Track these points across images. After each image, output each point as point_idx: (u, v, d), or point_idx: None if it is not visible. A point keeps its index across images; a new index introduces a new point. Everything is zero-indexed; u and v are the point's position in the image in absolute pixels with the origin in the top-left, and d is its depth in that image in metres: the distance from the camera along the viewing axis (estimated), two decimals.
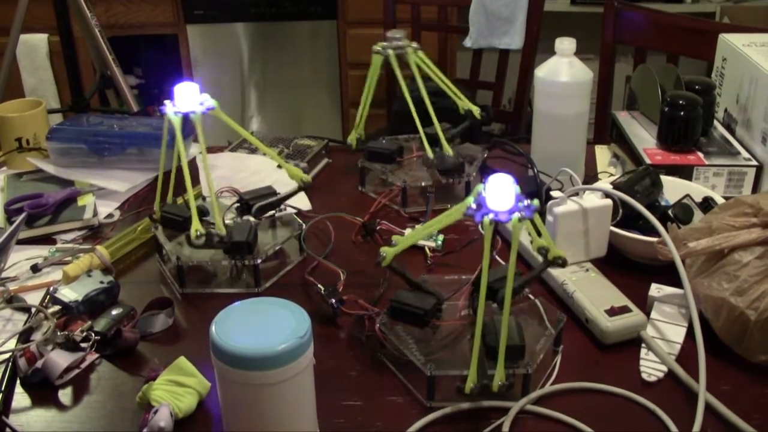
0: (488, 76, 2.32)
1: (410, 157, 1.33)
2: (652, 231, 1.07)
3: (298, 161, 1.36)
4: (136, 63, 3.28)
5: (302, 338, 0.73)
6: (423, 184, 1.27)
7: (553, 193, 1.07)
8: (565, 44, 1.25)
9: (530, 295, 0.99)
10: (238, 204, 1.16)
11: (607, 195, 1.08)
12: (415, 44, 1.32)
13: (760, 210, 0.96)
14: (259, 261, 1.07)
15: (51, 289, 1.06)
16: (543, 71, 1.27)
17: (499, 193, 0.82)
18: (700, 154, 1.26)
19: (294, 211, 1.21)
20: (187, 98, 1.07)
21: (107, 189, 1.33)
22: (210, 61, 3.05)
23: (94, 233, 1.24)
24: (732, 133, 1.34)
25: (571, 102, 1.26)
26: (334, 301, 1.02)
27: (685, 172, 1.24)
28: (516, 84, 2.26)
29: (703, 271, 0.98)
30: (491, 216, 0.81)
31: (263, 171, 1.33)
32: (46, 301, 1.06)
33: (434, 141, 1.34)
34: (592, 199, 1.07)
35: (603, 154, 1.39)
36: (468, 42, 2.30)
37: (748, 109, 1.29)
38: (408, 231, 1.19)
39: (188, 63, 3.03)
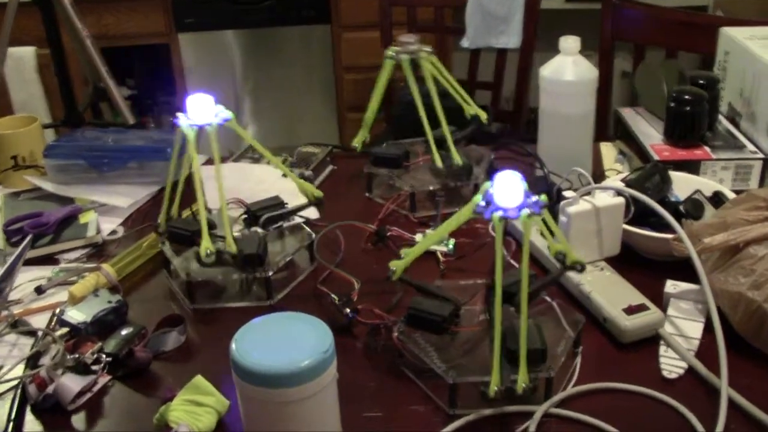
0: (486, 76, 2.31)
1: (417, 162, 1.32)
2: (664, 228, 1.07)
3: (303, 169, 1.35)
4: (128, 73, 3.27)
5: (326, 353, 0.73)
6: (431, 188, 1.26)
7: (566, 193, 1.07)
8: (570, 42, 1.24)
9: (547, 297, 0.98)
10: (246, 215, 1.15)
11: (619, 193, 1.07)
12: (428, 48, 1.30)
13: None
14: (270, 273, 1.06)
15: (57, 311, 1.04)
16: (548, 70, 1.27)
17: (507, 189, 0.82)
18: (707, 149, 1.26)
19: (302, 220, 1.20)
20: (201, 110, 1.05)
21: (109, 205, 1.32)
22: (203, 70, 3.04)
23: (99, 251, 1.22)
24: (736, 126, 1.34)
25: (577, 100, 1.26)
26: (348, 311, 1.01)
27: (692, 167, 1.24)
28: (515, 83, 2.25)
29: (719, 266, 0.98)
30: (500, 213, 0.80)
31: (267, 180, 1.32)
32: (53, 323, 1.04)
33: (440, 144, 1.34)
34: (604, 198, 1.07)
35: (609, 151, 1.38)
36: (465, 42, 2.30)
37: (752, 103, 1.29)
38: (419, 236, 1.18)
39: (181, 72, 3.01)
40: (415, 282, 0.96)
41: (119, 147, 1.36)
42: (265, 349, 0.73)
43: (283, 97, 3.12)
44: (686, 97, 1.26)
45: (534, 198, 0.82)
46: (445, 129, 1.28)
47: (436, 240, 0.95)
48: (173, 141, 1.36)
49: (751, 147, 1.26)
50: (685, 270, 1.02)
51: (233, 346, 0.74)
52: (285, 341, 0.74)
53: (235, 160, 1.43)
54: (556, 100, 1.27)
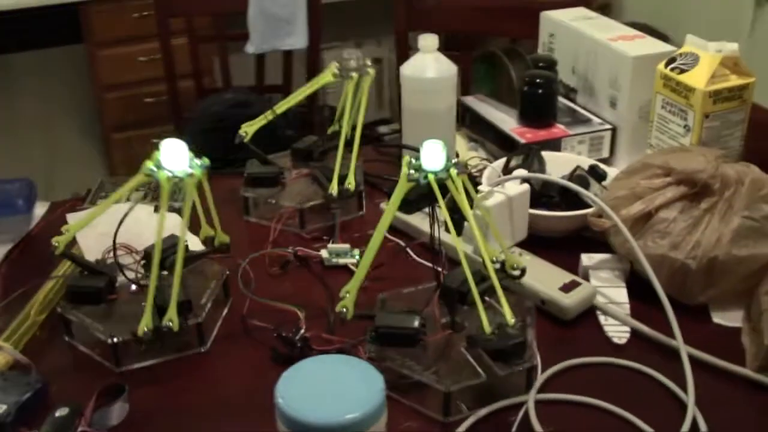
0: (274, 80, 2.29)
1: (299, 176, 1.28)
2: (555, 207, 1.15)
3: (171, 202, 1.26)
4: None
5: (381, 395, 0.70)
6: (315, 202, 1.24)
7: (480, 187, 1.10)
8: (428, 41, 1.27)
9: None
10: (144, 261, 1.07)
11: (524, 180, 1.12)
12: (370, 63, 1.27)
13: (672, 170, 1.05)
14: (201, 318, 0.99)
15: None
16: (409, 69, 1.29)
17: (434, 154, 0.90)
18: (561, 126, 1.35)
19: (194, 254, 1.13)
20: (176, 157, 0.95)
21: None
22: None
23: None
24: (573, 101, 1.44)
25: (440, 96, 1.29)
26: (298, 342, 0.97)
27: (553, 145, 1.32)
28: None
29: (634, 234, 1.06)
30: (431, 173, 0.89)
31: (142, 219, 1.23)
32: None
33: (307, 155, 1.32)
34: (512, 187, 1.11)
35: (460, 140, 1.43)
36: (250, 48, 2.26)
37: (588, 79, 1.39)
38: (324, 252, 1.16)
39: None
40: (369, 313, 0.95)
41: None
42: (315, 399, 0.69)
43: (41, 125, 2.90)
44: (538, 80, 1.33)
45: (453, 160, 0.92)
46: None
47: (372, 254, 0.95)
48: (24, 192, 1.23)
49: (595, 119, 1.37)
50: (584, 243, 1.12)
51: (279, 400, 0.69)
52: (335, 388, 0.70)
53: (92, 202, 1.31)
54: (420, 97, 1.30)
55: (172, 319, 0.95)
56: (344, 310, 0.95)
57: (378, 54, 3.41)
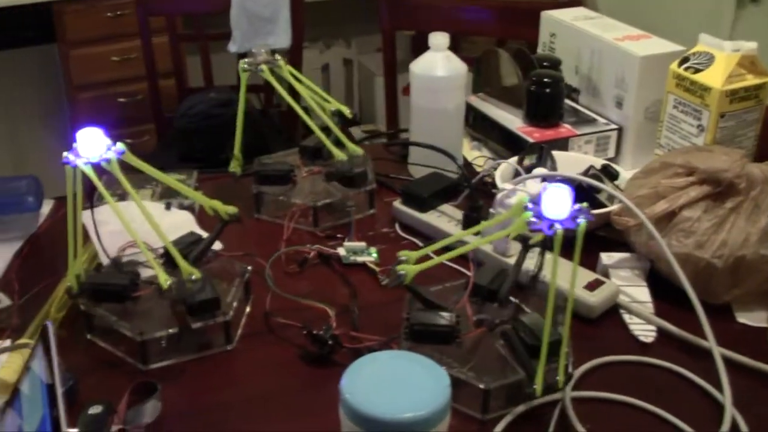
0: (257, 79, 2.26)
1: (310, 174, 1.27)
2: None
3: (181, 199, 1.24)
4: None
5: (447, 392, 0.69)
6: (329, 200, 1.23)
7: (501, 186, 1.10)
8: (439, 39, 1.27)
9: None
10: (164, 257, 1.05)
11: (544, 179, 1.12)
12: (278, 56, 1.28)
13: (695, 169, 1.06)
14: (229, 316, 0.98)
15: None
16: (419, 67, 1.28)
17: (558, 202, 0.82)
18: (568, 126, 1.36)
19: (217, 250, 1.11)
20: (93, 145, 0.95)
21: None
22: None
23: None
24: (575, 102, 1.45)
25: (449, 95, 1.29)
26: (330, 339, 0.96)
27: (559, 144, 1.32)
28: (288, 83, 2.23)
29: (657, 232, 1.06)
30: (558, 226, 0.82)
31: (154, 216, 1.20)
32: None
33: (314, 154, 1.30)
34: (533, 186, 1.11)
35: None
36: (233, 47, 2.23)
37: (593, 79, 1.40)
38: (341, 250, 1.15)
39: None
40: (418, 290, 0.94)
41: None
42: (383, 395, 0.68)
43: (10, 129, 2.83)
44: (545, 79, 1.34)
45: (578, 206, 0.83)
46: (339, 133, 1.24)
47: (463, 250, 0.92)
48: (32, 188, 1.20)
49: (600, 119, 1.38)
50: (599, 242, 1.14)
51: (346, 396, 0.68)
52: (401, 384, 0.69)
53: (99, 199, 1.27)
54: (429, 95, 1.30)
55: (192, 272, 0.96)
56: (403, 273, 0.92)
57: (347, 55, 3.40)
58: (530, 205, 0.83)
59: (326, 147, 1.25)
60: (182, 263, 0.97)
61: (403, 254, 0.93)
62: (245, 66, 1.25)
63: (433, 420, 0.67)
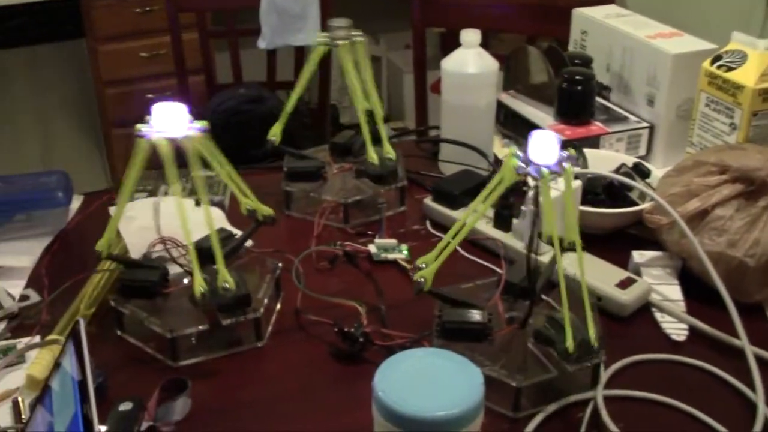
0: (286, 75, 2.28)
1: (341, 171, 1.27)
2: (599, 204, 1.15)
3: (211, 195, 1.25)
4: None
5: (480, 390, 0.69)
6: (360, 197, 1.23)
7: (532, 183, 1.09)
8: (471, 36, 1.26)
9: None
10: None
11: (575, 177, 1.12)
12: (359, 32, 1.22)
13: (727, 167, 1.05)
14: (260, 313, 0.98)
15: (19, 399, 0.88)
16: (450, 64, 1.28)
17: (544, 147, 0.84)
18: (599, 124, 1.35)
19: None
20: (173, 120, 0.91)
21: (6, 267, 1.13)
22: None
23: (20, 323, 1.04)
24: (606, 99, 1.44)
25: (480, 92, 1.29)
26: (361, 337, 0.96)
27: (590, 142, 1.32)
28: (318, 79, 2.24)
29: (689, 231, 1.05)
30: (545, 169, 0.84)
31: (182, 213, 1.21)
32: (22, 417, 0.88)
33: (344, 151, 1.30)
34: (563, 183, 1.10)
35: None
36: (262, 43, 2.24)
37: (624, 77, 1.39)
38: (372, 247, 1.15)
39: None
40: (442, 293, 0.94)
41: (1, 200, 1.17)
42: (418, 393, 0.68)
43: (39, 121, 2.85)
44: (577, 77, 1.33)
45: (565, 153, 0.85)
46: (381, 128, 1.24)
47: (464, 233, 0.92)
48: (62, 184, 1.21)
49: (631, 117, 1.37)
50: (629, 240, 1.14)
51: (380, 393, 0.68)
52: (434, 382, 0.69)
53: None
54: (460, 92, 1.29)
55: (227, 280, 0.94)
56: (422, 279, 0.92)
57: (376, 52, 3.40)
58: (518, 153, 0.85)
59: (362, 144, 1.24)
60: (222, 269, 0.96)
61: (422, 261, 0.93)
62: (322, 39, 1.22)
63: (467, 418, 0.68)
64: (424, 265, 0.94)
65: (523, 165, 0.85)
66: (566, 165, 0.85)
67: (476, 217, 0.91)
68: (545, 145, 0.84)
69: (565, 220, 0.90)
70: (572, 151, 0.86)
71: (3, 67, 2.85)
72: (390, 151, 1.21)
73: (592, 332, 0.88)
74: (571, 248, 0.95)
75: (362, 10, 3.13)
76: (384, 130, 1.22)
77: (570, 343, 0.86)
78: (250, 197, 1.06)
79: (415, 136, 1.94)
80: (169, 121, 0.92)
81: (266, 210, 1.07)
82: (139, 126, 0.92)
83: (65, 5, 2.68)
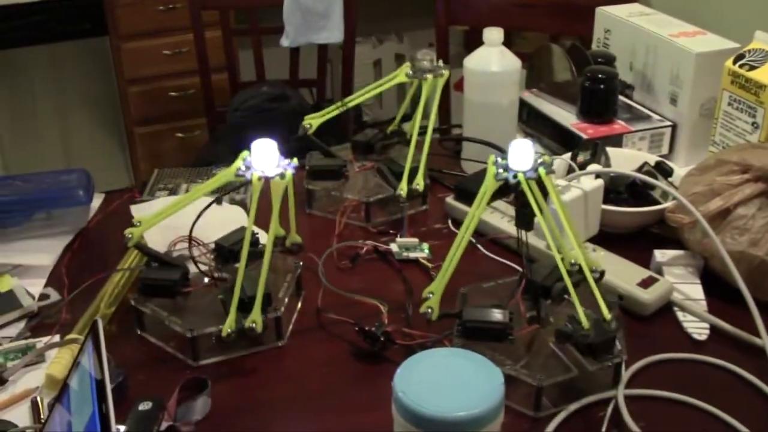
0: (309, 74, 2.29)
1: (363, 169, 1.27)
2: (622, 203, 1.15)
3: (233, 194, 1.26)
4: None
5: (501, 390, 0.69)
6: (381, 196, 1.23)
7: (555, 182, 1.09)
8: (494, 34, 1.26)
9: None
10: (216, 253, 1.06)
11: (597, 175, 1.12)
12: (443, 65, 1.24)
13: (750, 167, 1.05)
14: (280, 312, 0.99)
15: (38, 399, 0.89)
16: (472, 62, 1.28)
17: (522, 154, 0.90)
18: (621, 122, 1.34)
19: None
20: (265, 158, 0.95)
21: (26, 265, 1.15)
22: None
23: (39, 322, 1.05)
24: (629, 98, 1.44)
25: (503, 91, 1.29)
26: (382, 336, 0.96)
27: (615, 141, 1.31)
28: (341, 78, 2.24)
29: (711, 230, 1.05)
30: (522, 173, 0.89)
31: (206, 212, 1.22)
32: (41, 416, 0.88)
33: (366, 149, 1.31)
34: (587, 182, 1.10)
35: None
36: (285, 42, 2.25)
37: (647, 75, 1.39)
38: (394, 246, 1.15)
39: None
40: (454, 312, 0.94)
41: (21, 198, 1.18)
42: (439, 393, 0.68)
43: (60, 119, 2.88)
44: (600, 75, 1.33)
45: (540, 159, 0.91)
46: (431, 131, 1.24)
47: (457, 259, 0.94)
48: (83, 182, 1.21)
49: (654, 116, 1.36)
50: (650, 239, 1.14)
51: (399, 394, 0.69)
52: (454, 382, 0.69)
53: (151, 193, 1.30)
54: (482, 90, 1.30)
55: (256, 320, 0.94)
56: (429, 310, 0.94)
57: (400, 50, 3.40)
58: (498, 160, 0.91)
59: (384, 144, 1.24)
60: (257, 314, 0.96)
61: (428, 291, 0.94)
62: (409, 73, 1.23)
63: (487, 418, 0.68)
64: (430, 296, 0.94)
65: (502, 170, 0.90)
66: (540, 170, 0.90)
67: (469, 232, 0.96)
68: (523, 153, 0.89)
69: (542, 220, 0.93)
70: (547, 159, 0.89)
71: (25, 64, 2.88)
72: (421, 182, 1.20)
73: (604, 309, 0.88)
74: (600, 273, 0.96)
75: (385, 8, 3.15)
76: (425, 160, 1.21)
77: (584, 321, 0.87)
78: (291, 226, 1.07)
79: (438, 134, 1.94)
80: (265, 159, 0.95)
81: (296, 238, 1.08)
82: (239, 166, 0.96)
83: (88, 3, 2.70)
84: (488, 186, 0.92)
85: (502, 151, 1.25)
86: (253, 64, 2.26)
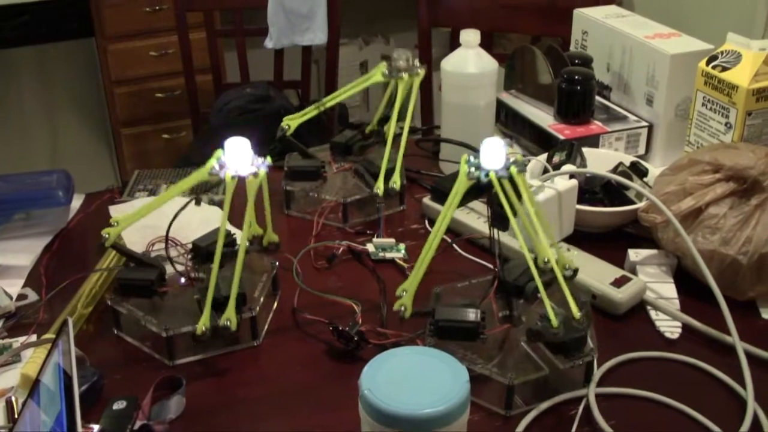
0: (292, 75, 2.29)
1: (341, 170, 1.28)
2: (597, 203, 1.16)
3: (208, 195, 1.26)
4: None
5: (466, 387, 0.70)
6: (358, 196, 1.24)
7: (530, 182, 1.10)
8: (471, 36, 1.27)
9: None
10: (193, 254, 1.07)
11: (571, 176, 1.13)
12: (419, 64, 1.24)
13: (721, 166, 1.06)
14: (255, 312, 0.99)
15: (13, 398, 0.89)
16: (449, 64, 1.29)
17: (493, 153, 0.90)
18: (599, 123, 1.35)
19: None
20: (239, 157, 0.95)
21: (4, 266, 1.15)
22: None
23: (16, 322, 1.05)
24: (606, 99, 1.45)
25: (480, 92, 1.30)
26: (354, 335, 0.97)
27: (590, 141, 1.32)
28: (325, 79, 2.25)
29: (683, 230, 1.06)
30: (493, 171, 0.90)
31: (183, 212, 1.22)
32: (16, 416, 0.89)
33: (345, 150, 1.31)
34: (561, 182, 1.11)
35: None
36: (269, 43, 2.25)
37: (624, 76, 1.40)
38: (370, 246, 1.16)
39: None
40: (427, 310, 0.95)
41: (1, 198, 1.19)
42: (402, 390, 0.69)
43: (48, 120, 2.88)
44: (577, 76, 1.34)
45: (512, 159, 0.91)
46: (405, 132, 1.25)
47: (430, 258, 0.95)
48: (63, 183, 1.22)
49: (631, 117, 1.37)
50: (625, 238, 1.15)
51: (365, 392, 0.69)
52: (420, 379, 0.70)
53: (131, 194, 1.30)
54: (460, 92, 1.30)
55: (230, 318, 0.95)
56: (402, 308, 0.95)
57: (386, 52, 3.40)
58: (471, 159, 0.91)
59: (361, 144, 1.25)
60: (232, 312, 0.96)
61: (401, 289, 0.95)
62: (385, 72, 1.24)
63: (452, 415, 0.68)
64: (404, 293, 0.95)
65: (474, 170, 0.91)
66: (512, 168, 0.90)
67: (441, 230, 0.96)
68: (495, 152, 0.90)
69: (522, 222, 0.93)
70: (520, 158, 0.90)
71: (12, 65, 2.88)
72: (397, 181, 1.20)
73: (574, 308, 0.88)
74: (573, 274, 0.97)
75: (372, 10, 3.16)
76: (401, 160, 1.22)
77: (553, 319, 0.87)
78: (267, 224, 1.08)
79: (421, 135, 1.94)
80: (238, 158, 0.95)
81: (273, 237, 1.08)
82: (212, 164, 0.96)
83: (74, 4, 2.70)
84: (461, 185, 0.93)
85: (479, 152, 1.26)
86: (237, 66, 2.26)
